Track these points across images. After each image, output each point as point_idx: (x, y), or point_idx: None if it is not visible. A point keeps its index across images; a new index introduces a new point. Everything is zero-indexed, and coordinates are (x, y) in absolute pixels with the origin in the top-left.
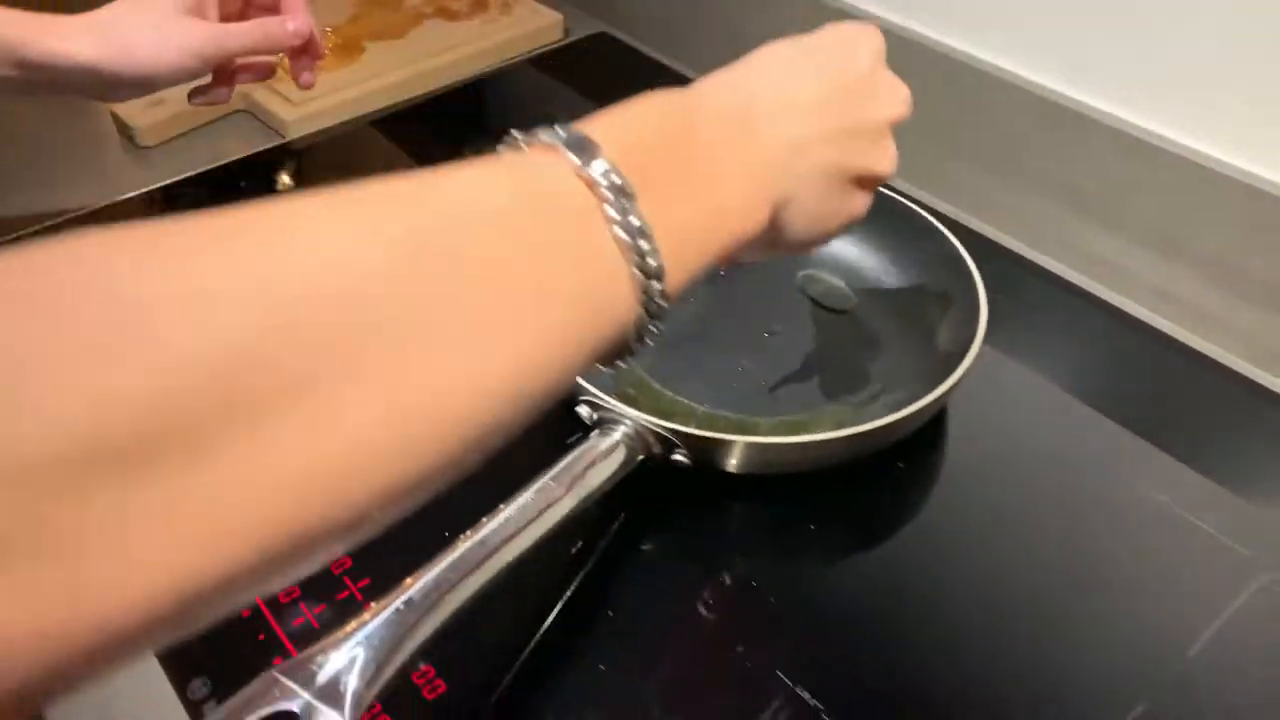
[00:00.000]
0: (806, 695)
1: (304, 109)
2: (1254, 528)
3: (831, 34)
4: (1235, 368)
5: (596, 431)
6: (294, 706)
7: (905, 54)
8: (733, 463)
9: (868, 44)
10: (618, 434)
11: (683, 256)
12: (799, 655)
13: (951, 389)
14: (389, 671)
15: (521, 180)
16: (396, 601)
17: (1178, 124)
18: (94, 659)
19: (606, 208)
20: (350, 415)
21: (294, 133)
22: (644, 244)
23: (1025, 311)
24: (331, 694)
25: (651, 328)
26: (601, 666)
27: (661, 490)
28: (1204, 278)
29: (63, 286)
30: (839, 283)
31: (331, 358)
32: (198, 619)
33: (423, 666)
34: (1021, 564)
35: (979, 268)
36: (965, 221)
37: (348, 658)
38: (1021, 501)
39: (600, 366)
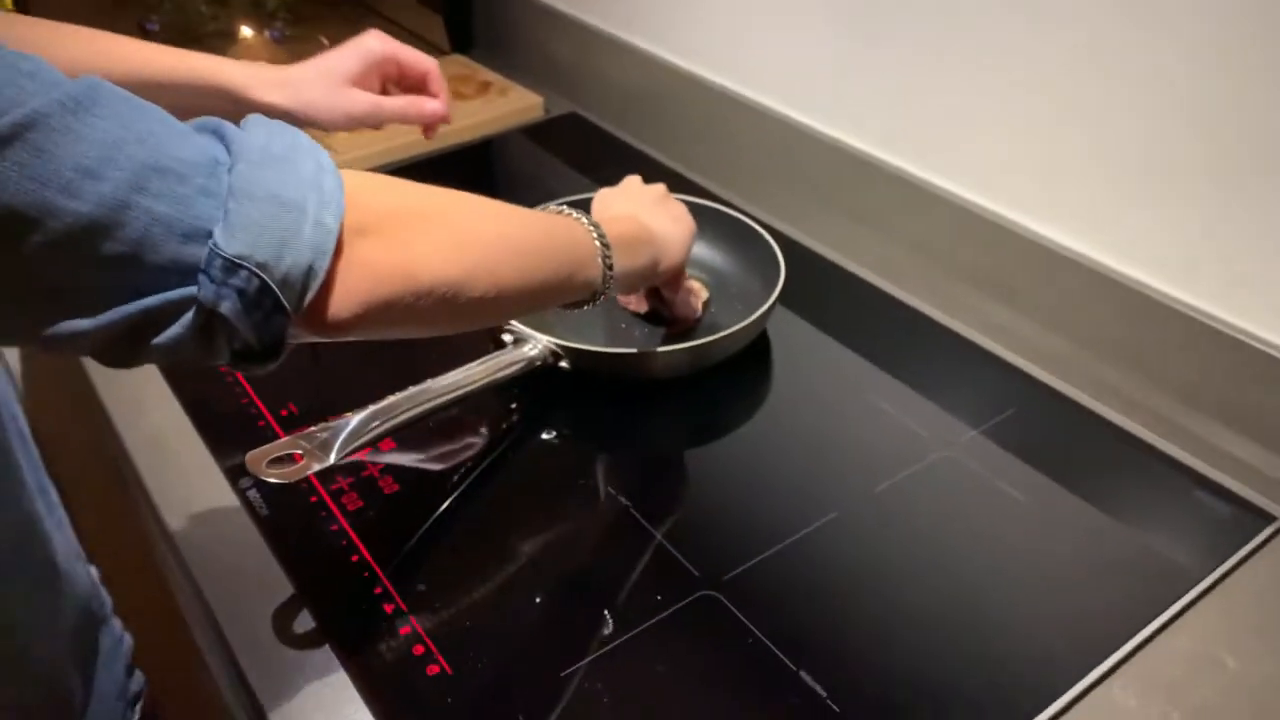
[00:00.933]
0: (630, 505)
1: (345, 156)
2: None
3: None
4: (911, 304)
5: (512, 344)
6: (297, 449)
7: (743, 113)
8: (603, 370)
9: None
10: (525, 345)
11: (620, 254)
12: (630, 479)
13: (749, 326)
14: (352, 446)
15: (559, 218)
16: (361, 414)
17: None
18: (395, 302)
19: (592, 231)
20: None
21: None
22: (604, 244)
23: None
24: (322, 448)
25: (605, 288)
26: (489, 508)
27: (549, 388)
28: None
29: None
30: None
31: (495, 238)
32: (446, 302)
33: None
34: (786, 437)
35: (785, 258)
36: (786, 231)
37: (333, 433)
38: (795, 400)
39: (572, 305)
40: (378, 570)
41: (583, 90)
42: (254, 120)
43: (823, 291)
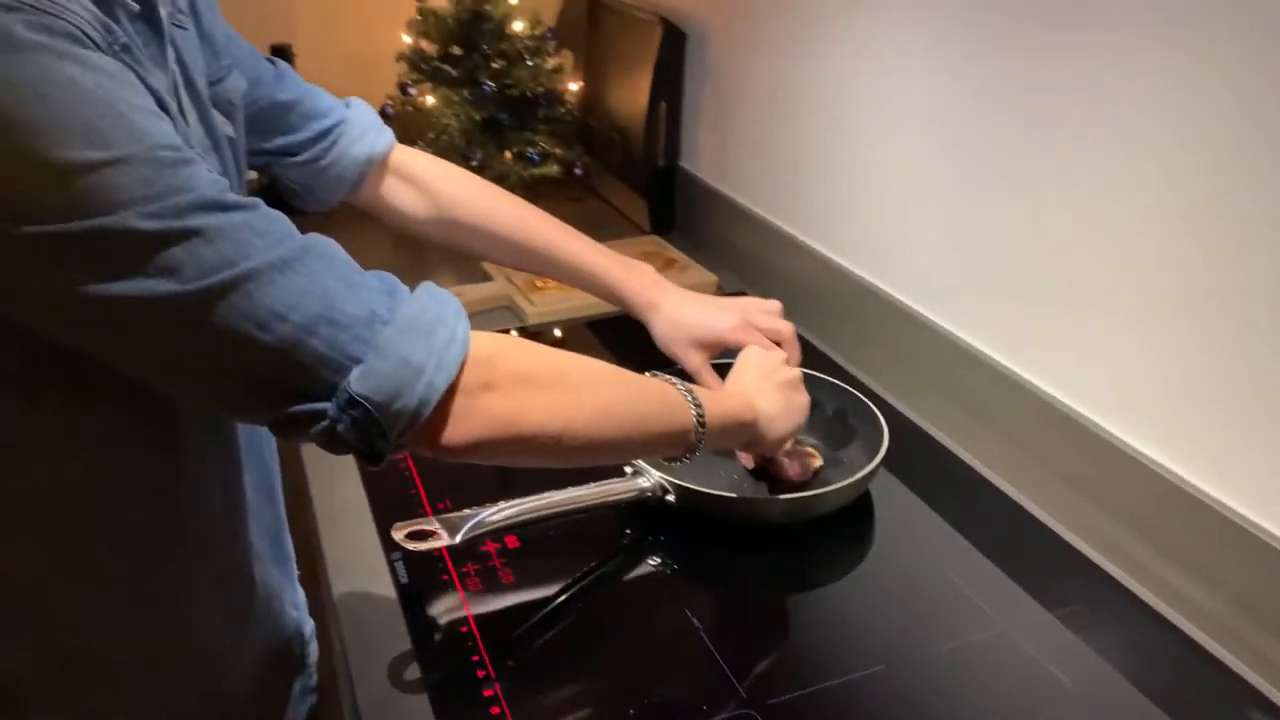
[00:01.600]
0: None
1: (539, 309)
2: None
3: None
4: (1006, 491)
5: (630, 474)
6: (432, 526)
7: (881, 308)
8: (704, 509)
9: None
10: (640, 477)
11: (714, 427)
12: (710, 609)
13: (843, 488)
14: (475, 533)
15: (664, 388)
16: (489, 510)
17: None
18: (501, 443)
19: (691, 407)
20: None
21: (531, 322)
22: (699, 420)
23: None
24: (450, 529)
25: (693, 454)
26: (588, 626)
27: (658, 516)
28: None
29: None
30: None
31: (598, 404)
32: (547, 447)
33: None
34: (854, 583)
35: (899, 433)
36: (904, 411)
37: (462, 520)
38: (876, 553)
39: (668, 458)
40: (479, 641)
41: (753, 273)
42: (423, 290)
43: (929, 467)
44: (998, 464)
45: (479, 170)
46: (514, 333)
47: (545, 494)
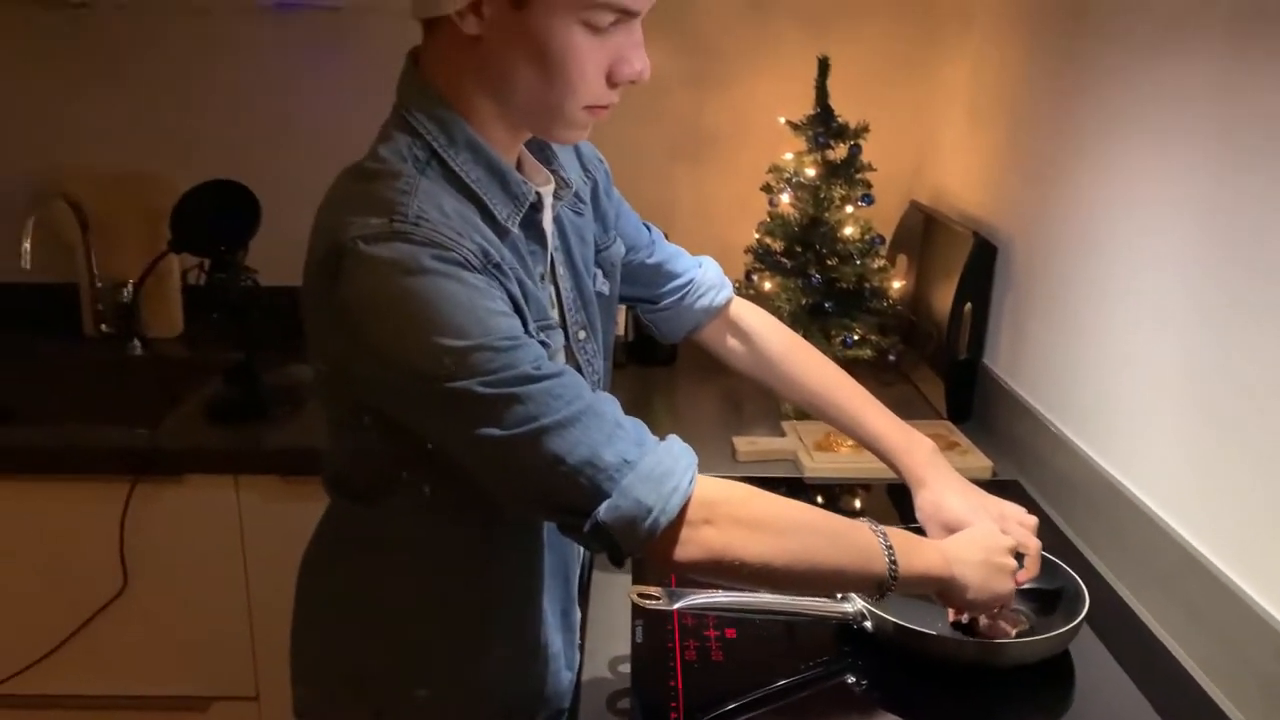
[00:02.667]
0: None
1: (816, 466)
2: None
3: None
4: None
5: (839, 596)
6: (657, 593)
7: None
8: (898, 641)
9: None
10: (846, 603)
11: (905, 578)
12: None
13: (1030, 644)
14: (689, 607)
15: (865, 536)
16: (708, 594)
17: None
18: (713, 567)
19: (887, 558)
20: (797, 555)
21: (807, 476)
22: (893, 572)
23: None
24: (672, 598)
25: (888, 589)
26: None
27: (860, 636)
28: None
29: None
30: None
31: (799, 548)
32: (751, 575)
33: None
34: None
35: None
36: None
37: (684, 597)
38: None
39: (865, 596)
40: (680, 698)
41: (1026, 463)
42: (665, 444)
43: (1140, 654)
44: (1210, 668)
45: None
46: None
47: (760, 595)
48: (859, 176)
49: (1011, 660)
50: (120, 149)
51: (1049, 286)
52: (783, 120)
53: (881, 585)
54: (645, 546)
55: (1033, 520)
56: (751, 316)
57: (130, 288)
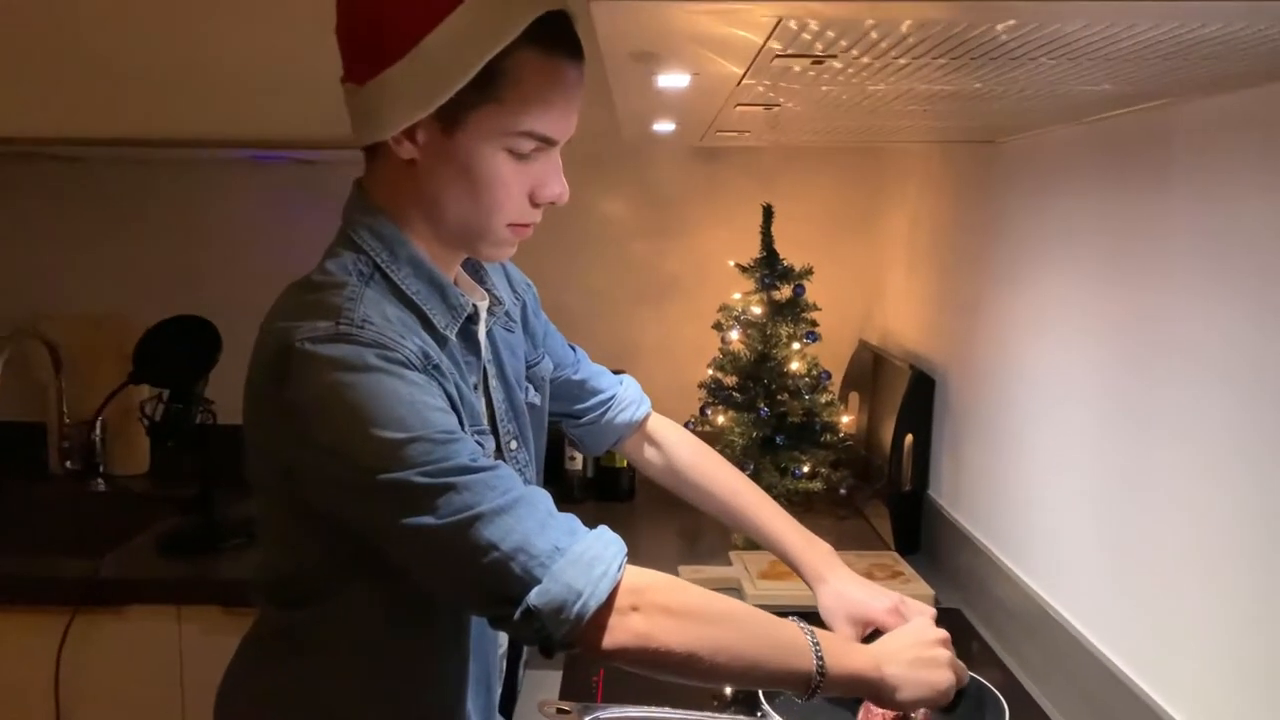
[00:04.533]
0: None
1: (758, 593)
2: None
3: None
4: None
5: (759, 716)
6: (569, 708)
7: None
8: None
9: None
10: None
11: (833, 679)
12: None
13: None
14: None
15: (794, 635)
16: (616, 709)
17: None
18: (638, 655)
19: (815, 658)
20: (722, 645)
21: (749, 602)
22: (820, 669)
23: None
24: (583, 712)
25: (815, 689)
26: None
27: None
28: None
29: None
30: None
31: (725, 638)
32: (676, 665)
33: None
34: None
35: None
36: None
37: (592, 712)
38: None
39: (795, 694)
40: None
41: (967, 592)
42: (595, 533)
43: None
44: None
45: (752, 476)
46: None
47: (662, 710)
48: (804, 315)
49: None
50: (98, 291)
51: (982, 415)
52: (732, 264)
53: (809, 682)
54: (574, 633)
55: (931, 612)
56: (666, 430)
57: (99, 426)
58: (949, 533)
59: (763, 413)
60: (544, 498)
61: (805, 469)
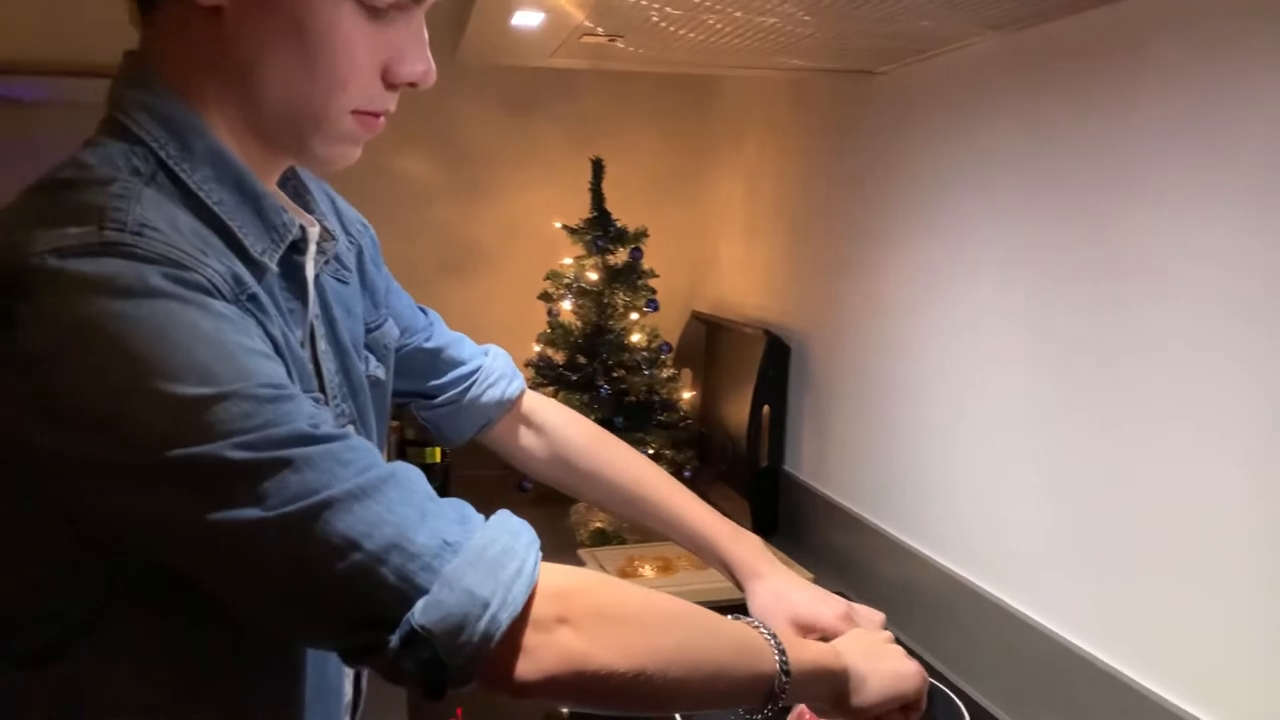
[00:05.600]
0: None
1: (651, 580)
2: None
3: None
4: None
5: None
6: None
7: (983, 610)
8: None
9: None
10: None
11: (800, 679)
12: None
13: None
14: None
15: (747, 631)
16: None
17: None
18: (573, 680)
19: (776, 655)
20: (675, 653)
21: None
22: (784, 669)
23: None
24: None
25: (780, 693)
26: None
27: None
28: None
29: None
30: None
31: (677, 644)
32: (621, 689)
33: None
34: None
35: None
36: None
37: None
38: None
39: (748, 712)
40: None
41: (849, 572)
42: (496, 519)
43: None
44: None
45: None
46: None
47: None
48: (642, 283)
49: None
50: None
51: (857, 382)
52: (559, 225)
53: (773, 688)
54: (479, 660)
55: (880, 616)
56: (549, 410)
57: None
58: (818, 510)
59: (602, 391)
60: (418, 476)
61: (650, 452)
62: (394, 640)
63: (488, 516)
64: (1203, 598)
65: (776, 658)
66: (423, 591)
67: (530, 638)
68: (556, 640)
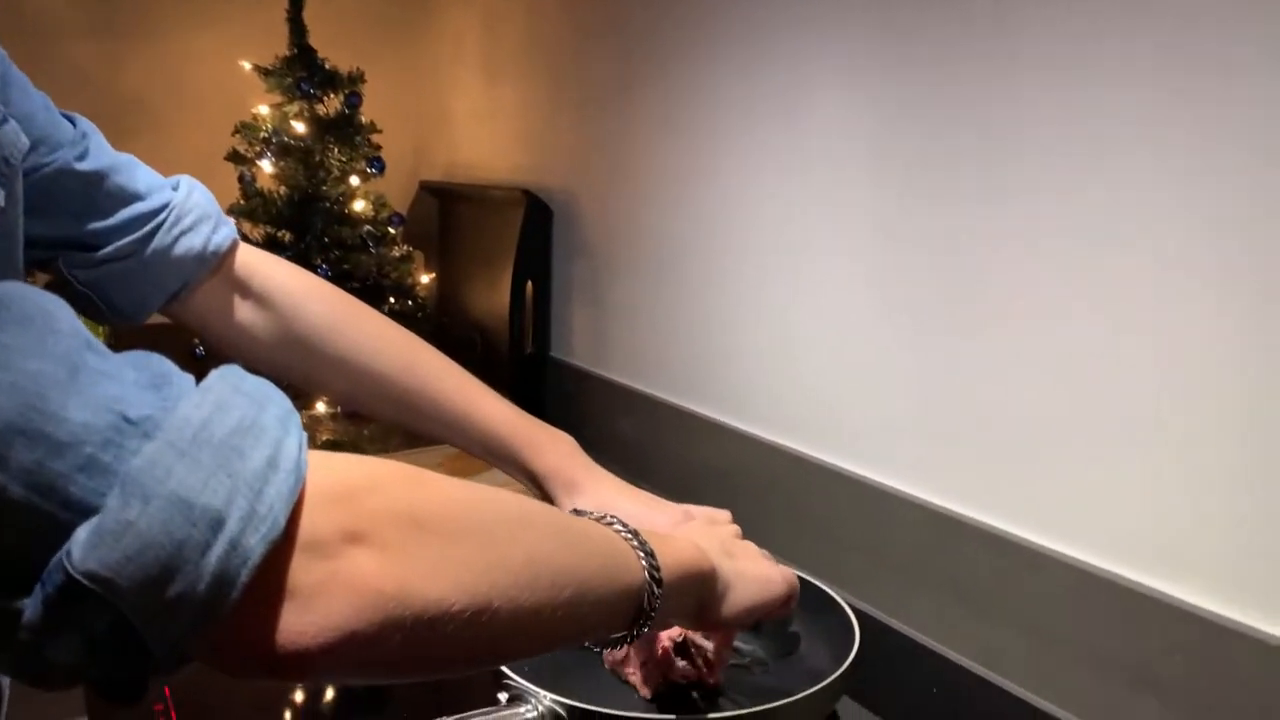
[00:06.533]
0: None
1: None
2: None
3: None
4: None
5: (506, 702)
6: None
7: (827, 482)
8: None
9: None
10: (521, 706)
11: (664, 560)
12: None
13: (811, 697)
14: None
15: (599, 529)
16: None
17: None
18: (382, 631)
19: (639, 553)
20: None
21: None
22: (653, 571)
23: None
24: None
25: (650, 611)
26: None
27: None
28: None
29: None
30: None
31: (524, 558)
32: (452, 638)
33: None
34: None
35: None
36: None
37: None
38: None
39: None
40: None
41: (646, 462)
42: (220, 378)
43: (912, 680)
44: (1002, 659)
45: None
46: None
47: None
48: (361, 139)
49: None
50: None
51: (632, 249)
52: (248, 66)
53: (642, 605)
54: (213, 626)
55: (725, 514)
56: (274, 270)
57: None
58: (599, 397)
59: (322, 272)
60: (57, 306)
61: None
62: (31, 609)
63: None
64: (1086, 448)
65: (644, 563)
66: (85, 509)
67: (304, 571)
68: (350, 570)
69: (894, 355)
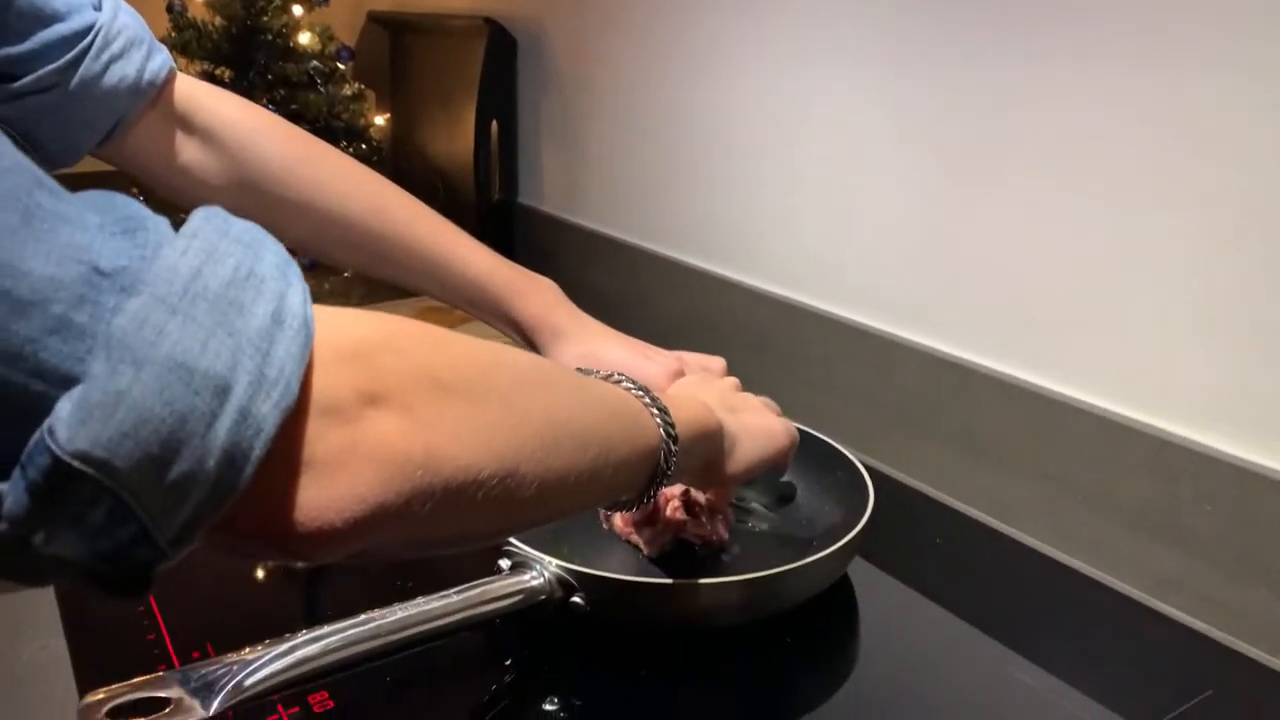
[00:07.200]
0: None
1: None
2: None
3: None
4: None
5: (509, 569)
6: (166, 691)
7: (828, 333)
8: (632, 606)
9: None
10: (526, 572)
11: (677, 417)
12: None
13: (823, 560)
14: (248, 693)
15: (615, 389)
16: (274, 650)
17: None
18: (411, 502)
19: (652, 410)
20: (534, 429)
21: None
22: (668, 429)
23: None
24: (202, 691)
25: (666, 470)
26: None
27: (558, 635)
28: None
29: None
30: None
31: (547, 419)
32: (480, 505)
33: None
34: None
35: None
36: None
37: (227, 673)
38: (881, 678)
39: (610, 507)
40: None
41: (629, 314)
42: (203, 220)
43: (922, 536)
44: (1016, 511)
45: None
46: None
47: (366, 619)
48: None
49: (793, 597)
50: None
51: (610, 85)
52: None
53: (660, 463)
54: (224, 505)
55: (719, 362)
56: (220, 104)
57: None
58: (574, 246)
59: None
60: (7, 146)
61: None
62: (13, 497)
63: None
64: (1112, 296)
65: (658, 420)
66: (62, 379)
67: (322, 439)
68: (372, 435)
69: (908, 198)
